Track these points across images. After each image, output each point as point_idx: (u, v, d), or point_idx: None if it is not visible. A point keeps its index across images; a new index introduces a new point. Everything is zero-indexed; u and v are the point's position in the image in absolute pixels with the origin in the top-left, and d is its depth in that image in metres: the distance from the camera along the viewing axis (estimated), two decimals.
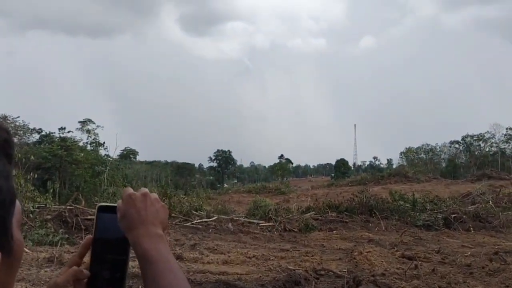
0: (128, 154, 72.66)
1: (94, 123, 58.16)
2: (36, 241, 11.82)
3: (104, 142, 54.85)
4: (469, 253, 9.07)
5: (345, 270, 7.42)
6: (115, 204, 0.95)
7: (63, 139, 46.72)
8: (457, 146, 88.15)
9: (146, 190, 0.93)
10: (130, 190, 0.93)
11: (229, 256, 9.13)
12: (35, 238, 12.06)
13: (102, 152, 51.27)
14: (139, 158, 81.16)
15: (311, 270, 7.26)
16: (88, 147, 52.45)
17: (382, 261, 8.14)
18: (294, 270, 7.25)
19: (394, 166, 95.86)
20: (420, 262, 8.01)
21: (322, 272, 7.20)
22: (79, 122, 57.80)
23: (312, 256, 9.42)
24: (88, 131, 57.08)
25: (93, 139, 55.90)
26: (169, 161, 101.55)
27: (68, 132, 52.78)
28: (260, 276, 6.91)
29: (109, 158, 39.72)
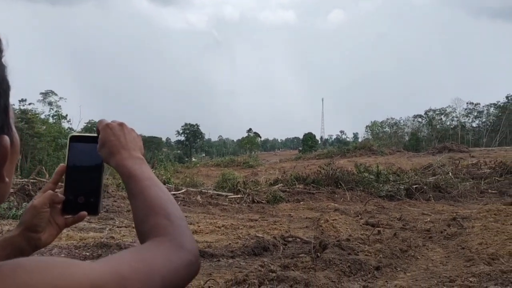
0: (92, 127, 70.64)
1: (56, 94, 56.04)
2: None
3: (67, 115, 53.07)
4: (428, 219, 9.47)
5: (312, 237, 7.60)
6: (87, 134, 0.99)
7: (24, 112, 44.79)
8: (420, 120, 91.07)
9: (121, 121, 0.96)
10: (106, 120, 0.95)
11: (199, 226, 9.16)
12: None
13: (65, 125, 49.62)
14: None
15: (279, 237, 7.40)
16: (51, 120, 50.61)
17: (347, 228, 8.39)
18: (262, 237, 7.35)
19: (360, 140, 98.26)
20: (382, 228, 8.31)
21: (290, 239, 7.35)
22: (41, 93, 55.55)
23: (280, 225, 9.60)
24: (50, 103, 55.00)
25: (56, 112, 53.96)
26: None
27: (29, 104, 50.70)
28: (230, 244, 6.98)
29: (73, 131, 38.50)
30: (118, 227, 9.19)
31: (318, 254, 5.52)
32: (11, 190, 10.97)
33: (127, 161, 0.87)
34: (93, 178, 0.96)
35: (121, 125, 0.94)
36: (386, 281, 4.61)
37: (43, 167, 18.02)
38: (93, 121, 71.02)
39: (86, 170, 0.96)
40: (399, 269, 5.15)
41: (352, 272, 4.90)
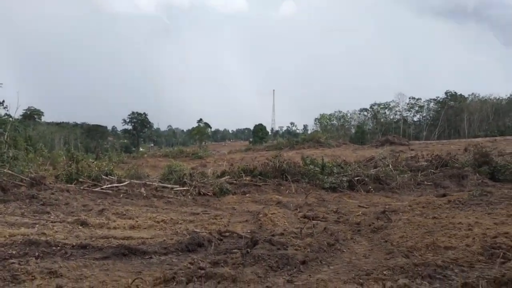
0: (32, 115, 67.08)
1: None
2: None
3: (3, 101, 49.93)
4: (360, 212, 9.93)
5: (249, 231, 7.74)
6: None
7: None
8: (365, 113, 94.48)
9: None
10: None
11: (137, 221, 9.03)
12: None
13: (1, 111, 46.68)
14: (45, 119, 75.36)
15: (216, 232, 7.47)
16: None
17: (284, 222, 8.63)
18: (198, 232, 7.39)
19: (309, 132, 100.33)
20: (318, 221, 8.62)
21: (227, 234, 7.44)
22: None
23: (221, 219, 9.70)
24: None
25: None
26: (78, 123, 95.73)
27: None
28: (165, 240, 6.96)
29: (10, 118, 36.38)
30: (52, 222, 8.86)
31: (248, 250, 5.65)
32: None
33: None
34: None
35: None
36: (310, 275, 4.81)
37: None
38: (32, 108, 67.46)
39: None
40: (324, 262, 5.39)
41: (279, 267, 5.06)
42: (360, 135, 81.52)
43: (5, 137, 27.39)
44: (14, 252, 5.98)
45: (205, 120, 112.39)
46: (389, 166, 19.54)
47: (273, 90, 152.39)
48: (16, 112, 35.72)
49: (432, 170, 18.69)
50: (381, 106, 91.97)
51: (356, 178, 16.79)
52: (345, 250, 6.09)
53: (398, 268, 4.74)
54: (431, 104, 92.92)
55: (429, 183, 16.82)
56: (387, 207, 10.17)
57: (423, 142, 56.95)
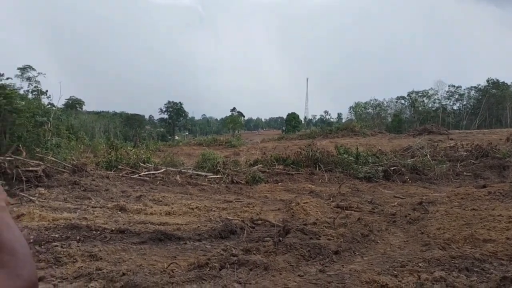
0: (73, 104, 69.44)
1: (35, 70, 54.69)
2: None
3: (47, 91, 51.92)
4: (396, 203, 9.71)
5: (281, 220, 7.75)
6: None
7: (2, 86, 43.61)
8: (402, 101, 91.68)
9: None
10: None
11: (172, 208, 9.24)
12: None
13: (45, 101, 48.58)
14: (86, 108, 77.93)
15: (248, 220, 7.52)
16: (30, 96, 49.49)
17: (317, 211, 8.58)
18: (231, 220, 7.47)
19: (343, 120, 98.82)
20: (351, 211, 8.52)
21: (259, 222, 7.49)
22: (19, 68, 54.13)
23: (253, 207, 9.76)
24: (29, 79, 53.75)
25: (35, 87, 52.80)
26: (117, 112, 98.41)
27: (7, 79, 49.37)
28: (199, 226, 7.09)
29: (53, 108, 37.87)
30: (93, 207, 9.21)
31: (281, 238, 5.67)
32: None
33: None
34: None
35: None
36: (342, 265, 4.78)
37: (20, 145, 17.74)
38: (74, 98, 69.79)
39: None
40: (357, 253, 5.34)
41: (311, 256, 5.06)
42: (396, 124, 79.57)
43: (49, 125, 28.56)
44: (57, 235, 6.27)
45: (238, 109, 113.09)
46: (427, 156, 19.07)
47: (307, 78, 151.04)
48: (59, 102, 37.01)
49: (472, 161, 18.10)
50: (419, 94, 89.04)
51: (392, 168, 16.47)
52: (379, 241, 6.00)
53: (434, 260, 4.63)
54: (472, 92, 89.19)
55: (468, 174, 16.28)
56: (424, 198, 9.91)
57: (462, 131, 54.95)
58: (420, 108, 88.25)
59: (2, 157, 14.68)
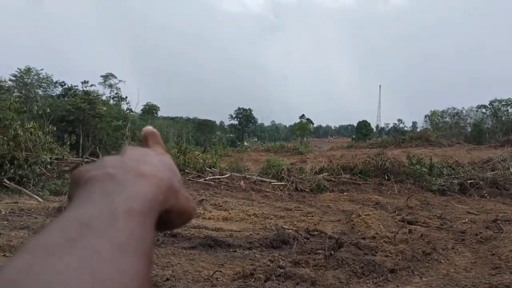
0: (150, 109, 73.46)
1: (116, 77, 58.71)
2: (54, 191, 12.28)
3: (126, 97, 55.45)
4: (468, 219, 8.90)
5: (339, 232, 7.43)
6: None
7: (86, 93, 47.41)
8: (484, 110, 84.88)
9: None
10: None
11: (230, 213, 9.25)
12: (52, 188, 12.53)
13: (124, 106, 51.90)
14: (161, 113, 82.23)
15: (303, 230, 7.30)
16: (111, 102, 53.17)
17: (379, 224, 8.09)
18: (285, 229, 7.29)
19: (418, 130, 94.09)
20: (417, 226, 7.93)
21: (315, 233, 7.23)
22: (101, 76, 58.41)
23: (312, 216, 9.47)
24: (111, 86, 57.81)
25: (116, 94, 56.66)
26: (190, 117, 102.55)
27: (91, 86, 53.54)
28: (251, 234, 7.00)
29: (132, 113, 40.30)
30: None
31: (332, 252, 5.39)
32: (66, 168, 11.76)
33: None
34: None
35: None
36: (397, 286, 4.42)
37: (98, 148, 19.01)
38: (150, 103, 73.79)
39: None
40: (416, 273, 4.91)
41: (364, 274, 4.74)
42: (476, 134, 74.20)
43: (126, 130, 30.35)
44: None
45: (307, 116, 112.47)
46: (509, 169, 17.50)
47: (380, 85, 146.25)
48: (137, 107, 39.29)
49: None
50: (503, 103, 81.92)
51: (469, 181, 15.30)
52: (443, 261, 5.50)
53: (503, 286, 4.12)
54: None
55: None
56: (500, 215, 8.98)
57: None
58: (503, 118, 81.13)
59: (80, 159, 15.84)
